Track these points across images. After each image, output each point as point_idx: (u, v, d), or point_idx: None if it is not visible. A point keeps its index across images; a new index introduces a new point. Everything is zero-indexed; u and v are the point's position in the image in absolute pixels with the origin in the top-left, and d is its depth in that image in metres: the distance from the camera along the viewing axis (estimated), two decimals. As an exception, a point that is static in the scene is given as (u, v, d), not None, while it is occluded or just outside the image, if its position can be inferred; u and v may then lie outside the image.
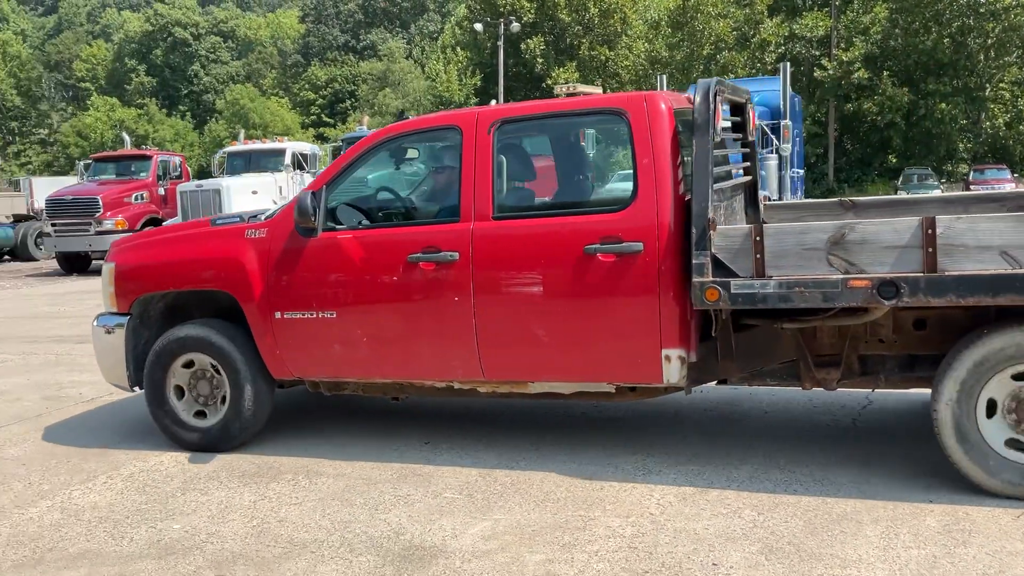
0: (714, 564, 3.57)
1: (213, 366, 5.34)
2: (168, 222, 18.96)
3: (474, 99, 49.25)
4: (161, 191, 20.43)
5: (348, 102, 67.19)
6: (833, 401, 5.79)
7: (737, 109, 5.55)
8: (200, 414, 5.43)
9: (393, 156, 5.59)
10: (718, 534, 3.85)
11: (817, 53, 41.01)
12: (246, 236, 5.23)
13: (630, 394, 4.79)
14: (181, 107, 71.99)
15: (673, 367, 4.44)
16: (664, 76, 21.72)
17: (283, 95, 69.22)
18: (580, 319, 4.56)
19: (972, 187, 30.20)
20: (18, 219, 24.19)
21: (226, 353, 5.26)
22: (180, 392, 5.45)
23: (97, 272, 19.32)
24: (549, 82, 44.67)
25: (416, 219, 5.27)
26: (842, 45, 40.44)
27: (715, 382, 4.87)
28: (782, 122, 17.48)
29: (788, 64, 18.98)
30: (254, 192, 18.85)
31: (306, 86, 69.65)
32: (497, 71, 44.10)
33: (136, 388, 5.65)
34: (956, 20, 39.06)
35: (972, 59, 39.67)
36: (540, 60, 46.51)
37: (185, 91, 74.00)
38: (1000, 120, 41.13)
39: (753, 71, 39.04)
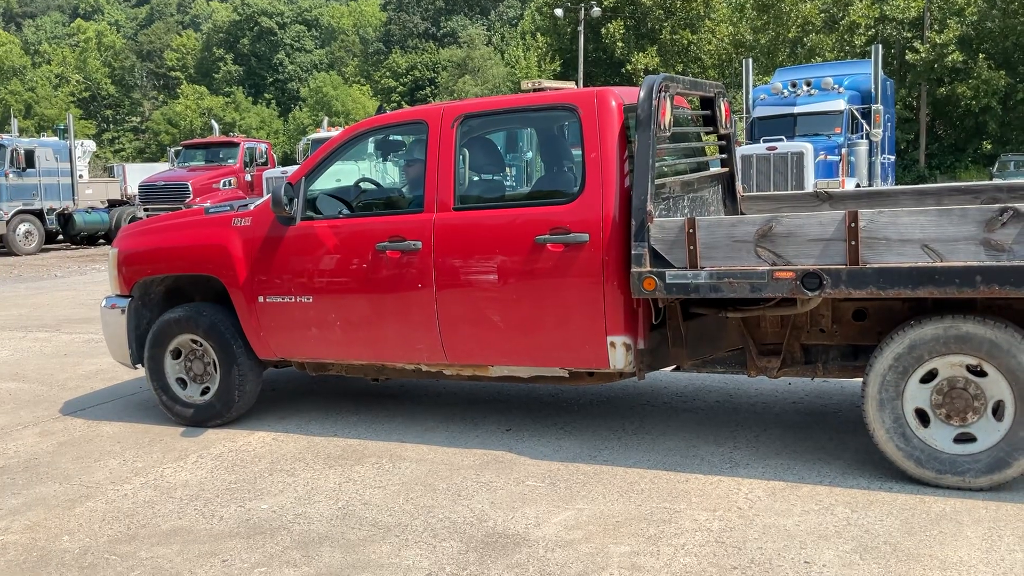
0: (806, 562, 3.47)
1: (207, 347, 5.64)
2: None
3: (554, 85, 48.97)
4: (248, 177, 20.93)
5: (428, 89, 67.67)
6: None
7: (707, 103, 5.75)
8: (194, 390, 5.76)
9: (366, 149, 5.90)
10: (810, 531, 3.74)
11: (909, 35, 39.58)
12: (233, 224, 5.52)
13: (587, 379, 4.95)
14: (266, 95, 73.51)
15: (619, 353, 4.63)
16: (749, 60, 21.23)
17: (365, 83, 70.08)
18: (532, 306, 4.76)
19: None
20: (112, 204, 25.03)
21: (215, 335, 5.58)
22: (176, 370, 5.79)
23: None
24: (629, 67, 44.22)
25: (385, 209, 5.56)
26: (935, 27, 38.94)
27: (670, 369, 5.04)
28: (873, 107, 16.90)
29: (880, 47, 18.32)
30: (337, 180, 19.10)
31: (387, 74, 70.37)
32: (577, 57, 43.80)
33: (138, 366, 6.01)
34: (1060, -1, 37.20)
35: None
36: (620, 45, 45.98)
37: (270, 79, 75.52)
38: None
39: (841, 54, 37.90)
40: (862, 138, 16.98)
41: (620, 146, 4.64)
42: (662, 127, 4.51)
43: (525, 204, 5.03)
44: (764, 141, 16.27)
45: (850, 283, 4.00)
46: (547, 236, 4.66)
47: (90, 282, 15.16)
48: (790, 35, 39.91)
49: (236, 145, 21.70)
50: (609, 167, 4.59)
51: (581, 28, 43.03)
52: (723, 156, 5.98)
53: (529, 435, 5.23)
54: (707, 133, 5.86)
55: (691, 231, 4.27)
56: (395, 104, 66.84)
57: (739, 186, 6.04)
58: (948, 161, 39.88)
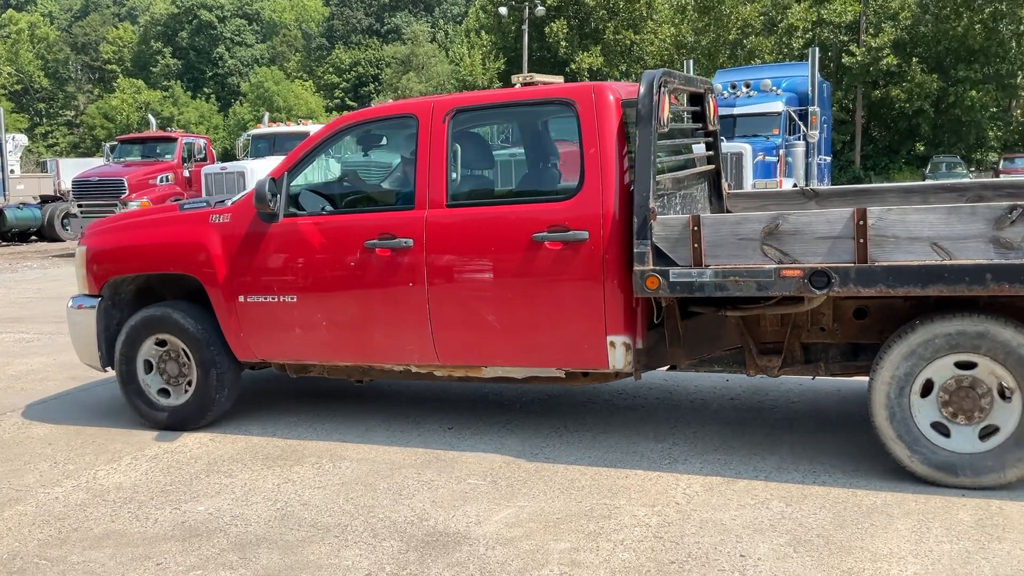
0: (742, 555, 3.52)
1: (182, 348, 5.46)
2: (192, 204, 19.06)
3: (498, 83, 49.05)
4: (186, 173, 20.51)
5: (372, 86, 67.17)
6: (863, 392, 5.69)
7: (696, 99, 5.67)
8: (168, 393, 5.57)
9: (352, 144, 5.62)
10: (745, 525, 3.80)
11: (845, 39, 40.46)
12: (211, 221, 5.34)
13: (582, 379, 4.87)
14: (206, 89, 72.20)
15: (618, 353, 4.55)
16: (691, 61, 21.53)
17: (307, 78, 69.28)
18: (529, 306, 4.66)
19: (1002, 175, 29.75)
20: (45, 200, 24.36)
21: (192, 335, 5.39)
22: (149, 372, 5.59)
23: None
24: (573, 66, 44.43)
25: (374, 206, 5.41)
26: (871, 31, 39.88)
27: (665, 368, 4.96)
28: (810, 109, 17.25)
29: (816, 49, 18.71)
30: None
31: (330, 69, 69.68)
32: (521, 55, 43.88)
33: (108, 368, 5.78)
34: (988, 6, 38.37)
35: (1004, 46, 38.98)
36: (564, 44, 46.18)
37: (210, 73, 74.20)
38: (1032, 108, 40.44)
39: (780, 56, 38.61)
40: (799, 139, 17.32)
41: (619, 142, 4.54)
42: (662, 123, 4.43)
43: (521, 201, 4.93)
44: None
45: (859, 281, 3.96)
46: (545, 234, 4.56)
47: (22, 280, 14.75)
48: (730, 37, 40.52)
49: (174, 140, 21.26)
50: (608, 163, 4.49)
51: (525, 27, 43.13)
52: (710, 153, 5.86)
53: (471, 433, 5.23)
54: (696, 130, 5.73)
55: (696, 229, 4.20)
56: (338, 100, 66.23)
57: (724, 184, 5.96)
58: (883, 162, 40.86)
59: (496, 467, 4.65)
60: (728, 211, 5.70)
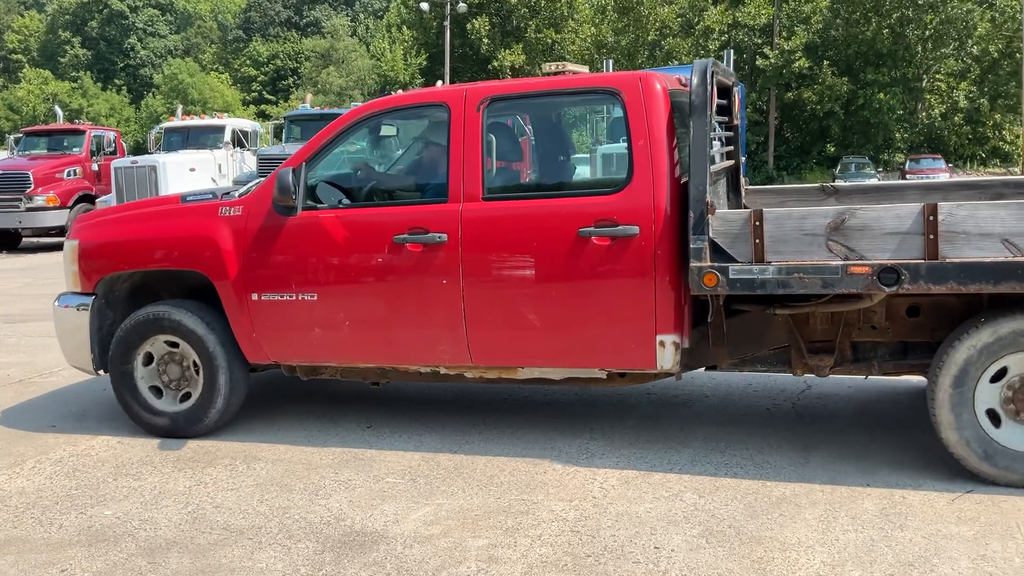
0: (656, 547, 3.58)
1: (183, 349, 5.13)
2: (102, 199, 18.46)
3: (419, 79, 48.81)
4: (95, 167, 19.84)
5: (291, 79, 66.11)
6: (773, 386, 5.86)
7: (724, 92, 5.43)
8: (168, 398, 5.23)
9: (375, 133, 5.37)
10: (660, 517, 3.87)
11: (759, 41, 41.51)
12: (220, 214, 5.01)
13: (619, 380, 4.72)
14: (117, 81, 70.02)
15: (667, 353, 4.39)
16: (611, 61, 21.80)
17: (223, 71, 67.77)
18: (573, 304, 4.47)
19: (908, 176, 30.87)
20: (-57, 194, 23.26)
21: (199, 336, 5.04)
22: (148, 375, 5.23)
23: (28, 250, 18.74)
24: (495, 64, 44.49)
25: (401, 199, 5.11)
26: (784, 34, 40.99)
27: (703, 368, 4.81)
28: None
29: (732, 52, 19.14)
30: (192, 169, 18.44)
31: (247, 62, 68.32)
32: (443, 52, 43.75)
33: (100, 371, 5.41)
34: (895, 11, 39.86)
35: (910, 50, 40.54)
36: (486, 41, 46.23)
37: (121, 65, 71.99)
38: (936, 111, 42.14)
39: (697, 58, 39.34)
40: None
41: (669, 132, 4.39)
42: (714, 114, 4.28)
43: (564, 194, 4.74)
44: (623, 141, 16.69)
45: (930, 278, 3.86)
46: (592, 228, 4.36)
47: (-83, 278, 14.05)
48: (649, 38, 41.16)
49: (82, 133, 20.53)
50: (659, 155, 4.32)
51: (447, 23, 42.99)
52: (730, 148, 5.65)
53: (390, 432, 5.19)
54: (723, 123, 5.47)
55: (757, 224, 4.05)
56: (256, 94, 64.99)
57: (743, 179, 5.80)
58: (795, 163, 42.06)
59: (415, 465, 4.63)
60: (746, 207, 5.51)
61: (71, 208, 18.78)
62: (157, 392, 5.24)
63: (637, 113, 4.40)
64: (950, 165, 35.89)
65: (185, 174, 18.13)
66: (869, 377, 4.67)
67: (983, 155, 42.36)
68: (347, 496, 4.25)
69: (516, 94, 4.90)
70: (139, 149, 44.33)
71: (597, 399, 5.74)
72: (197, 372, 5.14)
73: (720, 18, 40.70)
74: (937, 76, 42.16)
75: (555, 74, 4.92)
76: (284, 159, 17.79)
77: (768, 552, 3.51)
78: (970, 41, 40.99)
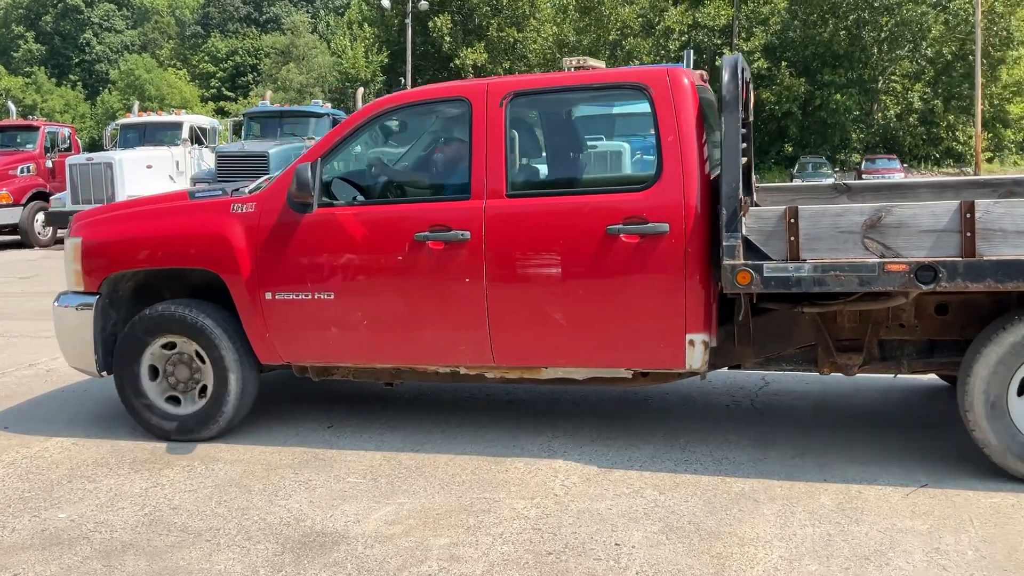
0: (617, 544, 3.60)
1: (194, 350, 5.00)
2: (56, 196, 18.14)
3: (381, 77, 48.58)
4: (49, 164, 19.50)
5: (250, 76, 65.42)
6: (731, 382, 5.92)
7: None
8: (175, 400, 5.09)
9: (393, 128, 5.24)
10: (620, 514, 3.89)
11: (719, 42, 41.90)
12: (232, 211, 4.89)
13: (641, 379, 4.68)
14: (72, 76, 68.77)
15: (696, 352, 4.34)
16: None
17: (181, 67, 66.86)
18: (601, 302, 4.41)
19: (864, 176, 31.37)
20: None
21: (208, 336, 4.91)
22: (154, 376, 5.09)
23: (-22, 248, 18.34)
24: (457, 62, 44.39)
25: (420, 196, 5.04)
26: (743, 35, 41.42)
27: (726, 367, 4.77)
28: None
29: (691, 52, 19.29)
30: (149, 166, 18.17)
31: (205, 58, 67.48)
32: (405, 49, 43.57)
33: (104, 373, 5.22)
34: (852, 13, 40.47)
35: (866, 52, 41.19)
36: (448, 40, 46.12)
37: (76, 60, 70.71)
38: (892, 111, 42.86)
39: (658, 58, 39.66)
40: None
41: (698, 128, 4.36)
42: (745, 109, 4.16)
43: (590, 191, 4.68)
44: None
45: (967, 276, 3.84)
46: (620, 226, 4.30)
47: None
48: (610, 38, 41.35)
49: (36, 129, 20.16)
50: (689, 151, 4.28)
51: (409, 21, 42.83)
52: (744, 145, 5.67)
53: (351, 431, 5.16)
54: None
55: (792, 221, 4.00)
56: (215, 90, 64.24)
57: (754, 176, 5.72)
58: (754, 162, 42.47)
59: (376, 464, 4.61)
60: (756, 204, 5.45)
61: (24, 206, 18.43)
62: (166, 395, 5.10)
63: (665, 108, 4.36)
64: (905, 165, 36.56)
65: (142, 171, 17.87)
66: (823, 375, 4.70)
67: (937, 156, 43.17)
68: (307, 496, 4.21)
69: (540, 89, 4.85)
70: (95, 146, 43.58)
71: (558, 396, 5.76)
72: (206, 375, 4.99)
73: (680, 19, 41.04)
74: (892, 78, 42.89)
75: (577, 69, 4.85)
76: (244, 156, 17.73)
77: (727, 547, 3.54)
78: (924, 43, 41.77)
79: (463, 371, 4.81)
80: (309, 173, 4.61)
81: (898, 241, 3.95)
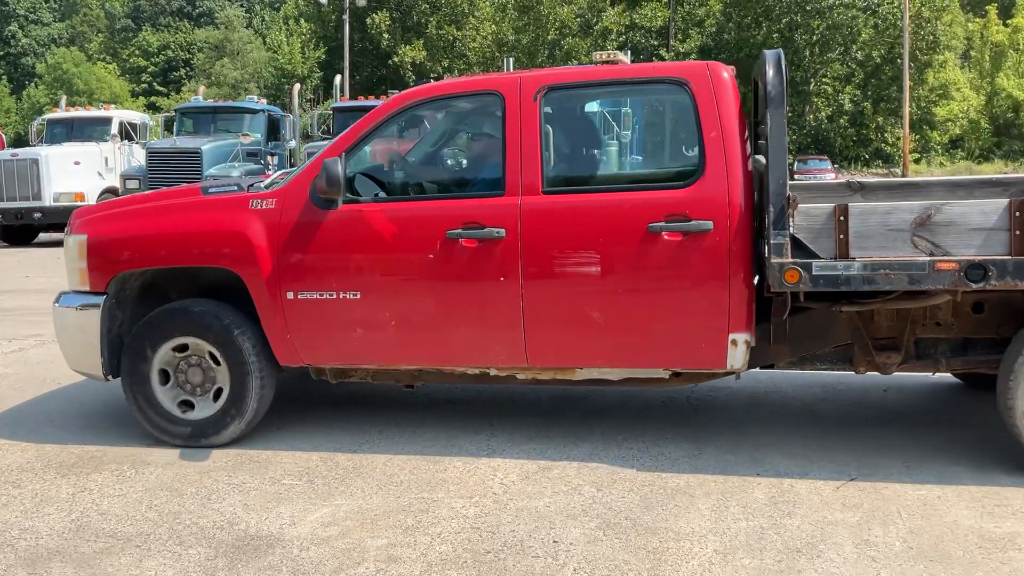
0: (555, 541, 3.61)
1: (208, 351, 4.82)
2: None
3: (318, 73, 48.01)
4: (-30, 159, 18.84)
5: (183, 71, 64.10)
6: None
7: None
8: (188, 404, 4.90)
9: (420, 122, 5.12)
10: (559, 511, 3.90)
11: (656, 43, 42.39)
12: (251, 207, 4.72)
13: (674, 379, 4.63)
14: (-5, 70, 66.59)
15: (739, 352, 4.30)
16: (511, 59, 21.91)
17: (111, 61, 65.20)
18: (641, 302, 4.35)
19: (796, 177, 32.03)
20: None
21: (225, 337, 4.73)
22: (165, 380, 4.89)
23: None
24: (396, 59, 44.11)
25: (451, 191, 4.93)
26: (679, 36, 41.97)
27: (759, 367, 4.70)
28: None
29: (629, 53, 19.47)
30: (76, 163, 17.70)
31: (136, 52, 65.91)
32: (343, 46, 43.14)
33: (110, 377, 4.98)
34: (785, 16, 41.30)
35: (799, 54, 42.04)
36: (387, 36, 45.80)
37: (1, 53, 68.48)
38: (823, 113, 43.83)
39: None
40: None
41: (740, 124, 4.33)
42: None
43: (629, 187, 4.60)
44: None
45: (1017, 274, 3.84)
46: (662, 223, 4.23)
47: None
48: (549, 37, 41.50)
49: (-43, 124, 19.50)
50: (733, 147, 4.23)
51: (346, 17, 42.43)
52: (760, 142, 5.61)
53: (288, 432, 5.08)
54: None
55: (842, 218, 3.98)
56: (146, 85, 62.79)
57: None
58: (690, 162, 43.06)
59: (313, 465, 4.55)
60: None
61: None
62: (179, 400, 4.91)
63: (707, 103, 4.31)
64: (836, 166, 37.40)
65: (69, 167, 17.40)
66: (760, 370, 4.78)
67: (867, 156, 44.29)
68: (241, 499, 4.14)
69: (575, 83, 4.77)
70: (20, 141, 42.21)
71: (497, 394, 5.76)
72: (221, 377, 4.82)
73: (618, 19, 41.40)
74: (824, 80, 43.87)
75: (607, 63, 4.79)
76: (176, 153, 17.39)
77: (663, 542, 3.58)
78: (855, 47, 42.82)
79: (493, 372, 4.70)
80: (339, 168, 4.48)
81: (947, 239, 3.96)
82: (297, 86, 24.24)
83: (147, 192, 7.34)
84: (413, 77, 42.43)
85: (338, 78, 24.12)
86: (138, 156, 18.98)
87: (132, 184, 17.17)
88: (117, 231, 4.97)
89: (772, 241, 4.04)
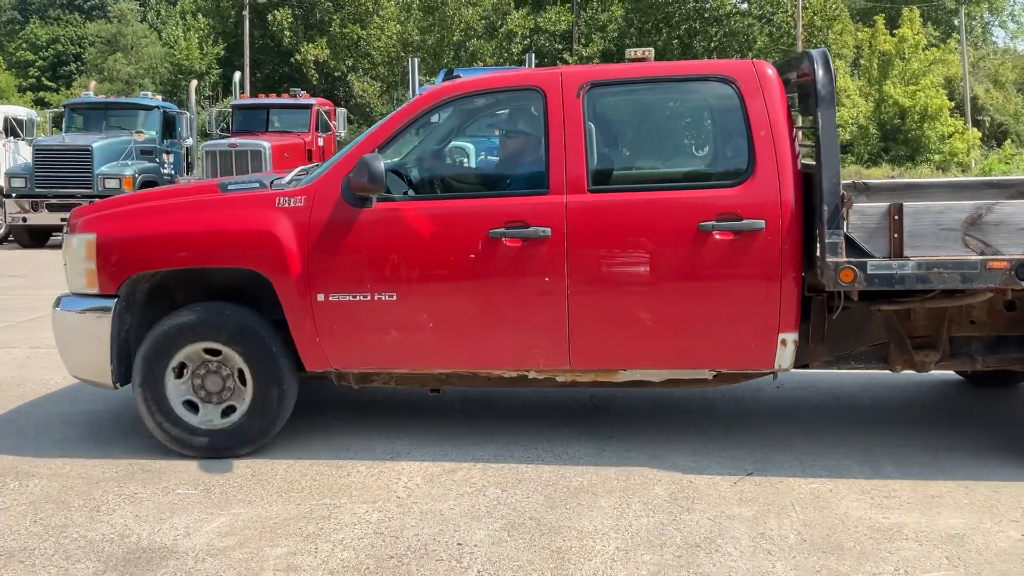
0: (459, 544, 3.59)
1: (225, 357, 4.59)
2: None
3: (217, 69, 46.81)
4: None
5: (73, 65, 61.58)
6: (573, 379, 6.02)
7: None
8: (206, 412, 4.64)
9: (457, 118, 5.01)
10: (463, 513, 3.88)
11: (560, 47, 42.81)
12: (278, 205, 4.49)
13: (716, 380, 4.58)
14: None
15: (787, 352, 4.29)
16: (416, 59, 21.76)
17: (-5, 54, 62.18)
18: (690, 302, 4.31)
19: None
20: None
21: (248, 342, 4.52)
22: (182, 389, 4.64)
23: None
24: (298, 57, 43.35)
25: (490, 189, 4.79)
26: (582, 40, 42.50)
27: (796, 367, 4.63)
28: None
29: (533, 55, 19.57)
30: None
31: (24, 45, 62.98)
32: (243, 42, 42.16)
33: (118, 385, 4.69)
34: (684, 23, 42.24)
35: (697, 60, 43.03)
36: (288, 34, 44.94)
37: None
38: (720, 118, 44.97)
39: (501, 60, 40.03)
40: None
41: (789, 122, 4.29)
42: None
43: (677, 186, 4.48)
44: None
45: None
46: (713, 223, 4.18)
47: None
48: (454, 38, 41.43)
49: None
50: (783, 145, 4.21)
51: (246, 13, 41.48)
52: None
53: (182, 439, 4.91)
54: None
55: (896, 218, 4.01)
56: (33, 80, 60.14)
57: None
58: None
59: (209, 474, 4.41)
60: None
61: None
62: (192, 407, 4.64)
63: (755, 101, 4.30)
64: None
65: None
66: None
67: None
68: (133, 510, 3.98)
69: (618, 79, 4.69)
70: None
71: (407, 397, 5.70)
72: (242, 385, 4.61)
73: (522, 22, 41.59)
74: (722, 85, 45.00)
75: (639, 60, 4.73)
76: (65, 150, 16.77)
77: (566, 541, 3.60)
78: (751, 53, 44.05)
79: (532, 375, 4.60)
80: (381, 164, 4.29)
81: (998, 239, 4.04)
82: (194, 83, 23.53)
83: (156, 189, 7.01)
84: (316, 76, 41.79)
85: (238, 75, 23.51)
86: (24, 154, 18.14)
87: (17, 183, 16.38)
88: (131, 230, 4.68)
89: (827, 240, 4.05)
